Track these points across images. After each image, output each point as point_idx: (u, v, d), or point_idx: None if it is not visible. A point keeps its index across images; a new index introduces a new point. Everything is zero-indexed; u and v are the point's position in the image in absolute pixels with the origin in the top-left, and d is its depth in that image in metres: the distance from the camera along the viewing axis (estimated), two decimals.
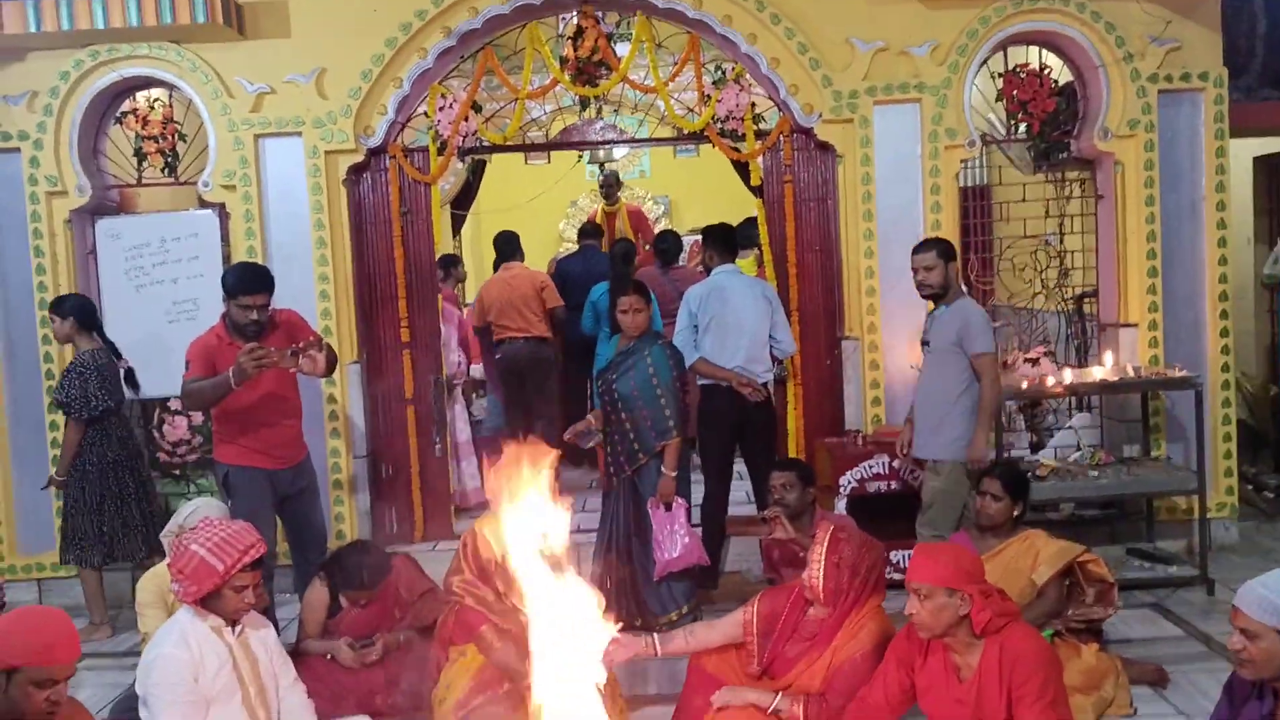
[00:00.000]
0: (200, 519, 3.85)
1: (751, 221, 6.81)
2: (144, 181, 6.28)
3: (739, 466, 5.73)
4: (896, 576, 4.75)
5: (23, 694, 2.53)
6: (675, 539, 4.88)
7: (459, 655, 3.93)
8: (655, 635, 3.80)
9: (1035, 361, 5.87)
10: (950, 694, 3.12)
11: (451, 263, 7.71)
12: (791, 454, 6.03)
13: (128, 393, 5.62)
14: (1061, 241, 6.31)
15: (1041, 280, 6.30)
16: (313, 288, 5.97)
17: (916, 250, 4.93)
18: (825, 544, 3.54)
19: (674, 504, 4.93)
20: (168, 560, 3.73)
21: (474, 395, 7.26)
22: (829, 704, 3.44)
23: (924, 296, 5.01)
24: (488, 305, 7.41)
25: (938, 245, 4.90)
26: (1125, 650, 4.44)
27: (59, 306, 5.51)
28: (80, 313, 5.48)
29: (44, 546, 6.05)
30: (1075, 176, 6.28)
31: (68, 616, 2.74)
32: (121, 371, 5.55)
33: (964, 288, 5.11)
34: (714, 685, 3.68)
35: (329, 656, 4.34)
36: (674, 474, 4.90)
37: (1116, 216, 5.96)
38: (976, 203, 6.43)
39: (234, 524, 3.60)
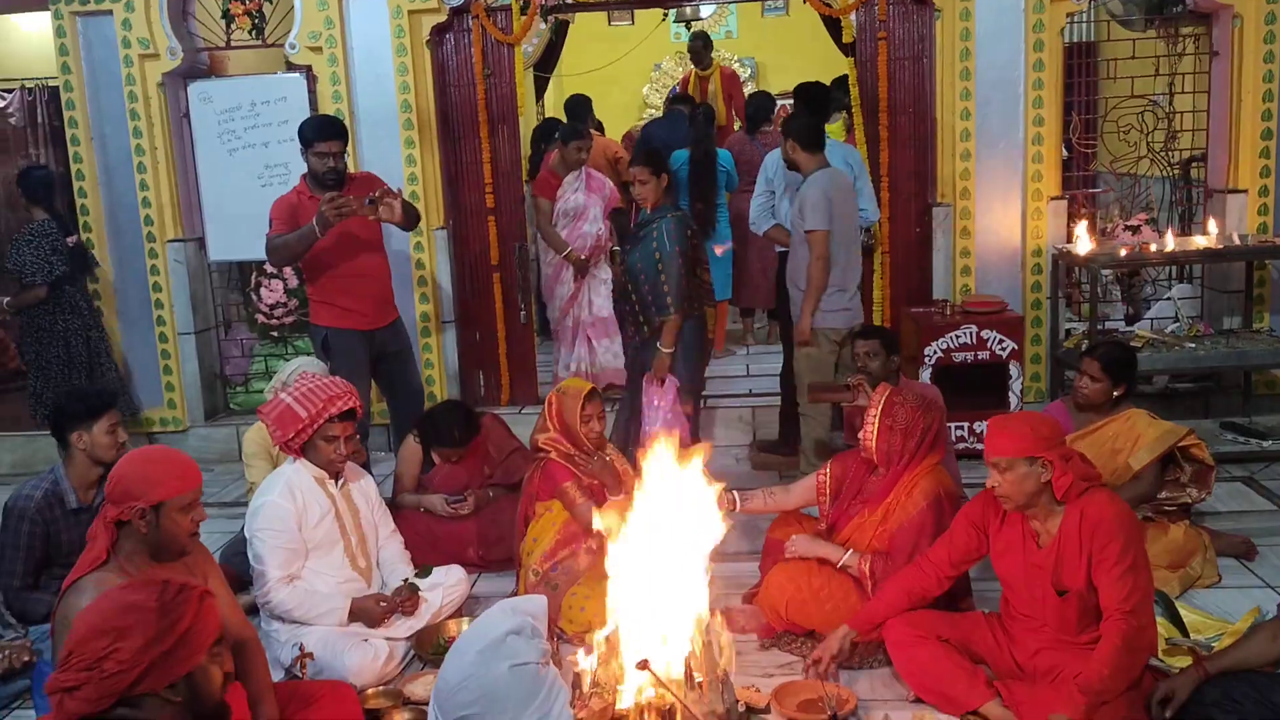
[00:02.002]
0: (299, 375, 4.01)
1: (841, 83, 6.59)
2: (233, 44, 6.31)
3: None
4: (980, 447, 4.73)
5: (172, 522, 2.76)
6: (656, 414, 4.79)
7: (545, 510, 4.06)
8: (736, 492, 3.89)
9: (1136, 229, 5.67)
10: (1028, 560, 3.12)
11: (554, 129, 7.59)
12: (876, 324, 5.97)
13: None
14: (1170, 102, 5.99)
15: (1147, 143, 6.02)
16: (399, 151, 6.00)
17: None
18: (880, 406, 3.61)
19: (666, 381, 4.83)
20: None
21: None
22: (894, 562, 3.51)
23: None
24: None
25: (784, 126, 4.98)
26: (1214, 523, 4.39)
27: (18, 179, 5.92)
28: (29, 186, 5.82)
29: (153, 402, 6.37)
30: (1189, 32, 5.92)
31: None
32: (70, 245, 5.85)
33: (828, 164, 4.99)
34: (782, 553, 3.78)
35: (422, 510, 4.53)
36: (669, 351, 4.77)
37: (1231, 75, 5.63)
38: (1081, 60, 6.12)
39: (326, 378, 3.74)
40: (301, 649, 3.35)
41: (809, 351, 4.92)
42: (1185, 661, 3.15)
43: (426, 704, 3.32)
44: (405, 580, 3.84)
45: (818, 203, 4.74)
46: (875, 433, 3.60)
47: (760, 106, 7.48)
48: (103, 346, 6.07)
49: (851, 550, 3.60)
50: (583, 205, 6.44)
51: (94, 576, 2.70)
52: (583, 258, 6.35)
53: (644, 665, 2.76)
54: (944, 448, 3.70)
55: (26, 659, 3.49)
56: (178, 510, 2.76)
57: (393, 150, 6.00)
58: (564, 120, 7.22)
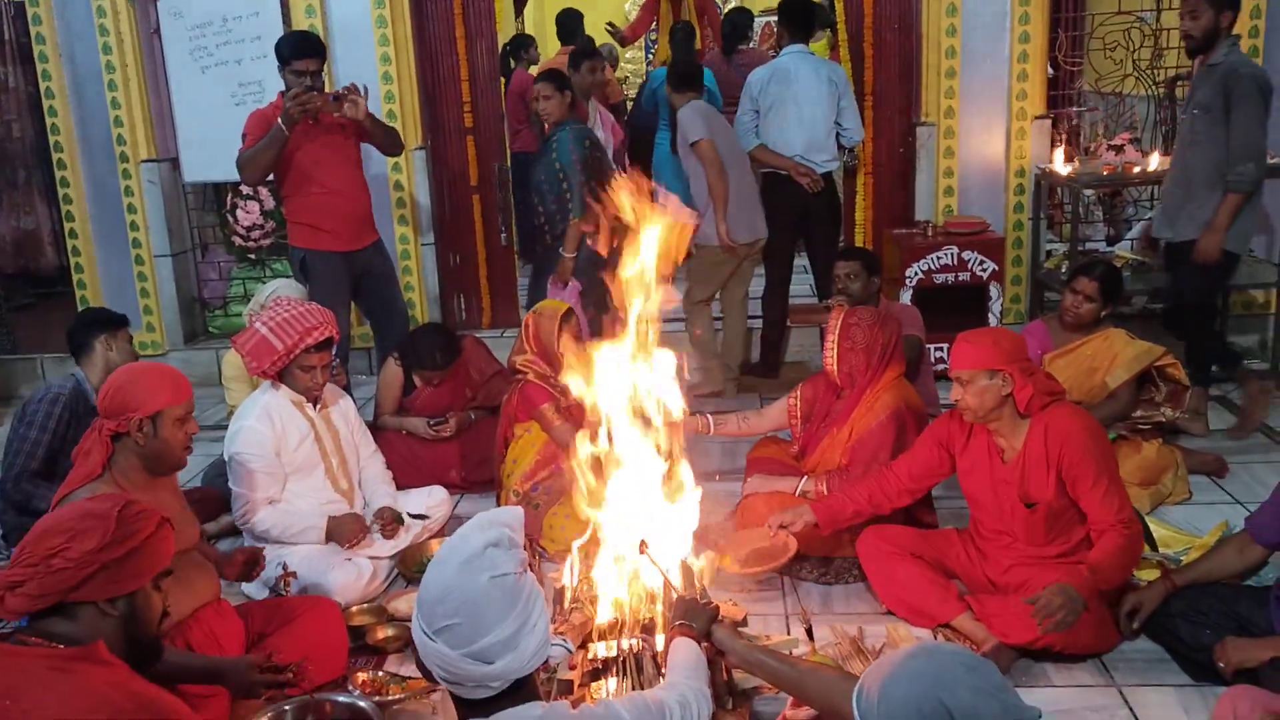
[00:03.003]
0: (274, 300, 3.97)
1: None
2: None
3: (801, 260, 5.71)
4: None
5: (170, 432, 2.80)
6: None
7: (524, 431, 4.07)
8: (711, 416, 3.93)
9: (1119, 149, 5.63)
10: (994, 475, 3.16)
11: (523, 44, 7.44)
12: (858, 246, 5.96)
13: None
14: (1158, 19, 5.91)
15: (1133, 61, 5.95)
16: (375, 69, 5.88)
17: None
18: (838, 330, 3.64)
19: (569, 284, 4.98)
20: None
21: None
22: (851, 474, 3.56)
23: None
24: None
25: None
26: (1187, 442, 4.45)
27: None
28: None
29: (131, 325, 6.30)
30: None
31: None
32: None
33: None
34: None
35: (404, 432, 4.54)
36: (570, 255, 4.94)
37: None
38: None
39: (304, 305, 3.68)
40: (285, 568, 3.39)
41: (700, 259, 5.17)
42: (1154, 575, 3.22)
43: (409, 620, 3.37)
44: (391, 510, 3.87)
45: (692, 119, 5.09)
46: (836, 356, 3.64)
47: (737, 25, 7.30)
48: None
49: (805, 477, 3.67)
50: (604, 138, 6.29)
51: (88, 488, 2.70)
52: None
53: (644, 548, 2.80)
54: (903, 360, 3.73)
55: None
56: (174, 421, 2.80)
57: (368, 68, 5.87)
58: (533, 37, 7.07)
